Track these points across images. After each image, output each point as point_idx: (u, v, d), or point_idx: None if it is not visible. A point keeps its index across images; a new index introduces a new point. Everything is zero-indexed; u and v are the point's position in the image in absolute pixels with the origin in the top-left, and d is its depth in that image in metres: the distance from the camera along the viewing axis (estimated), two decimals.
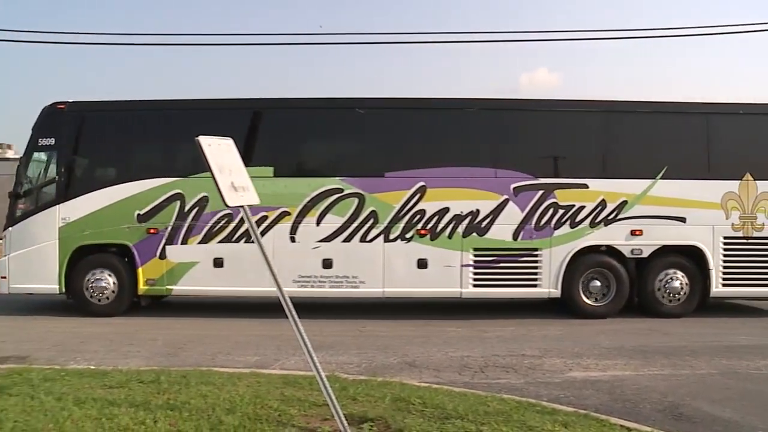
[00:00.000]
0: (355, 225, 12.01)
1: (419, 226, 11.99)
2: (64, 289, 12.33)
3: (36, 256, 12.26)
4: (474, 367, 8.41)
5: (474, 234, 11.98)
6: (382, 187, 12.08)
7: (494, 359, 8.85)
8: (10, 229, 12.53)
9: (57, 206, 12.32)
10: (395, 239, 12.00)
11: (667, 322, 11.66)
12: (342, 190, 12.03)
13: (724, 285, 12.05)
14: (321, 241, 11.99)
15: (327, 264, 11.98)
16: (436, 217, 11.99)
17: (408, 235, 12.01)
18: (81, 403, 6.14)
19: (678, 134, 12.38)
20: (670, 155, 12.20)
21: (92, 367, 8.12)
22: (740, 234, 12.05)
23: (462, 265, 11.98)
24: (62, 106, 12.60)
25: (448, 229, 11.98)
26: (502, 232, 11.97)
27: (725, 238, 12.04)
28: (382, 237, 12.00)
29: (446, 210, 11.99)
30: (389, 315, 12.38)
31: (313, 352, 5.16)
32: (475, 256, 12.01)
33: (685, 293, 12.15)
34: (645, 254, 12.09)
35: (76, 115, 12.63)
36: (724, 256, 12.04)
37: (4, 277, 12.32)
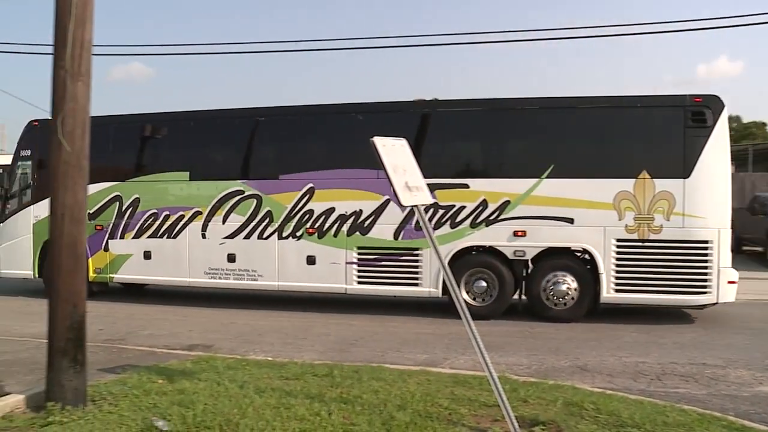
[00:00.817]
0: (254, 223, 12.90)
1: (308, 225, 12.62)
2: (37, 275, 14.43)
3: (17, 247, 14.63)
4: (650, 375, 7.99)
5: (357, 233, 12.32)
6: (276, 188, 12.86)
7: (672, 367, 8.35)
8: (0, 224, 14.99)
9: (31, 206, 14.52)
10: (287, 237, 12.72)
11: None
12: (243, 192, 12.97)
13: (616, 290, 11.32)
14: (226, 237, 13.04)
15: (231, 258, 13.02)
16: (323, 217, 12.53)
17: (298, 234, 12.67)
18: (261, 391, 6.46)
19: (566, 131, 11.84)
20: (558, 153, 11.74)
21: (270, 359, 8.55)
22: (635, 236, 11.18)
23: (347, 263, 12.39)
24: (36, 123, 14.64)
25: (334, 228, 12.46)
26: (383, 231, 12.18)
27: (618, 240, 11.26)
28: (276, 235, 12.78)
29: (332, 210, 12.47)
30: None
31: (485, 352, 5.12)
32: (359, 254, 12.37)
33: (572, 297, 11.55)
34: (528, 256, 11.67)
35: (46, 130, 13.48)
36: (617, 259, 11.29)
37: None
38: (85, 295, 6.25)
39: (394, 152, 5.21)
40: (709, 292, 10.90)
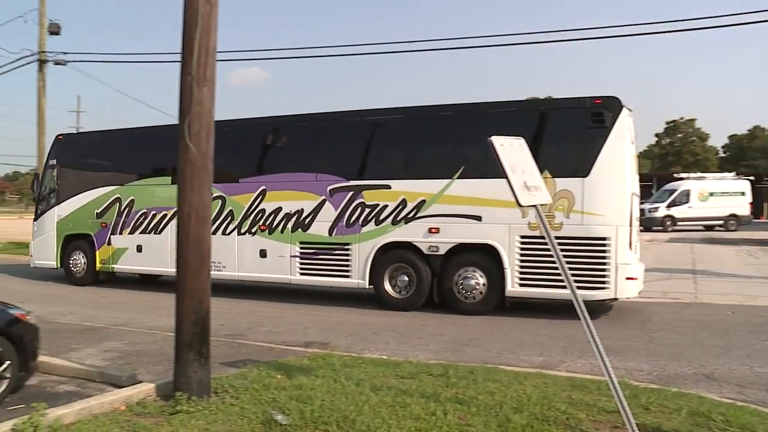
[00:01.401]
0: (219, 221, 14.40)
1: (261, 222, 14.07)
2: (59, 265, 16.98)
3: (46, 242, 17.21)
4: None
5: (299, 230, 13.64)
6: (236, 190, 14.40)
7: None
8: (35, 222, 17.83)
9: (55, 207, 17.16)
10: (245, 233, 14.26)
11: None
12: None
13: (520, 285, 11.86)
14: None
15: None
16: (272, 215, 13.94)
17: (253, 230, 14.18)
18: (377, 389, 6.53)
19: (475, 134, 11.80)
20: (467, 155, 12.47)
21: (385, 357, 8.62)
22: (537, 233, 11.45)
23: (291, 256, 13.71)
24: (61, 137, 17.73)
25: (281, 225, 13.83)
26: (320, 228, 13.40)
27: (522, 237, 11.75)
28: (236, 231, 14.35)
29: (279, 209, 13.85)
30: (679, 322, 11.57)
31: (605, 356, 4.98)
32: (301, 248, 13.66)
33: (481, 292, 12.16)
34: (441, 251, 12.41)
35: (67, 143, 17.63)
36: (521, 255, 11.79)
37: (32, 255, 17.79)
38: (209, 291, 6.51)
39: (512, 151, 5.14)
40: (607, 288, 11.20)
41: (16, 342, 6.83)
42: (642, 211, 35.76)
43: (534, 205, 5.17)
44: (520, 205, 5.03)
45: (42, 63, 26.46)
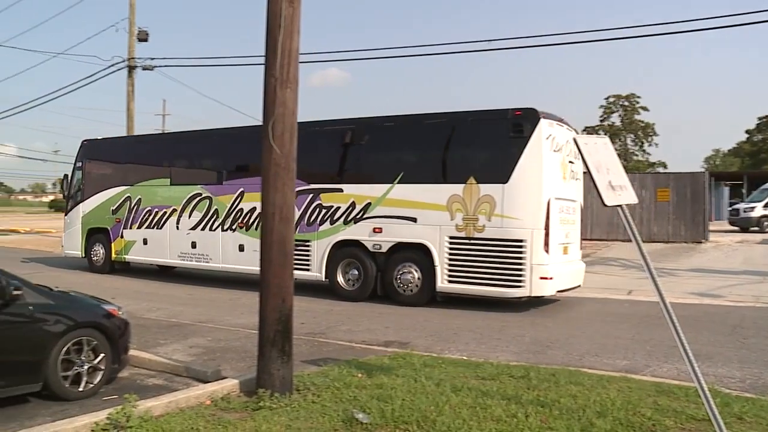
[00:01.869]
0: (207, 219, 16.31)
1: (240, 220, 15.67)
2: (83, 255, 19.25)
3: (73, 234, 19.57)
4: None
5: None
6: (221, 191, 16.13)
7: None
8: (65, 216, 20.31)
9: (81, 204, 19.43)
10: (227, 229, 15.93)
11: None
12: (201, 194, 16.52)
13: (449, 281, 12.87)
14: (191, 229, 16.62)
15: (194, 245, 16.58)
16: (249, 214, 15.46)
17: (233, 227, 15.81)
18: (457, 390, 6.50)
19: (412, 143, 13.89)
20: (406, 162, 13.80)
21: (465, 358, 8.58)
22: (463, 234, 12.66)
23: None
24: (86, 142, 19.81)
25: (255, 223, 15.01)
26: None
27: (450, 237, 12.80)
28: (220, 227, 16.06)
29: (255, 209, 15.00)
30: None
31: (694, 361, 4.82)
32: None
33: (417, 285, 13.24)
34: (384, 249, 13.62)
35: (91, 147, 19.69)
36: (449, 254, 12.81)
37: (63, 246, 20.29)
38: (292, 289, 6.62)
39: (597, 150, 5.02)
40: (523, 286, 12.07)
41: (110, 336, 7.14)
42: (737, 210, 34.87)
43: (619, 206, 5.02)
44: (605, 205, 4.90)
45: (131, 69, 27.50)
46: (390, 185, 13.51)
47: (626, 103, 73.39)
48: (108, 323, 7.19)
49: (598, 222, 27.31)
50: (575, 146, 4.88)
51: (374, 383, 6.80)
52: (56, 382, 6.61)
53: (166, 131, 58.44)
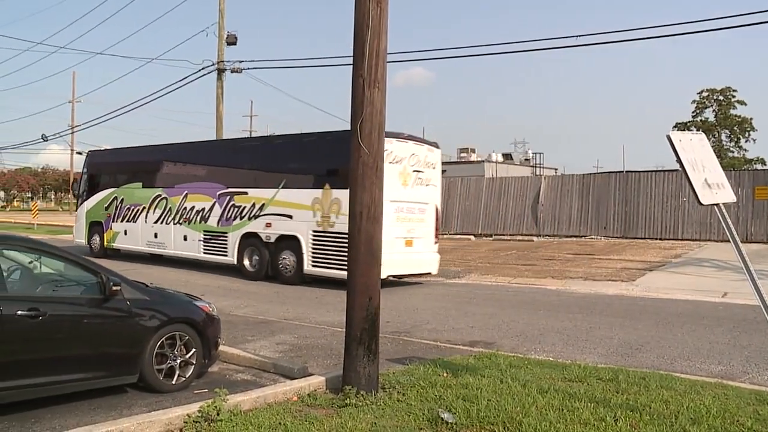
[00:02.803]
0: (164, 215, 20.50)
1: (185, 216, 19.77)
2: (86, 242, 23.59)
3: (80, 227, 24.29)
4: None
5: (203, 222, 19.17)
6: (173, 193, 20.26)
7: None
8: (76, 212, 25.76)
9: (85, 202, 24.06)
10: (177, 223, 20.04)
11: None
12: (161, 195, 20.71)
13: (312, 266, 16.30)
14: (154, 223, 20.85)
15: (156, 235, 20.86)
16: (190, 211, 19.62)
17: (180, 221, 19.91)
18: (544, 392, 6.41)
19: (290, 156, 17.73)
20: (286, 171, 17.32)
21: (551, 359, 8.45)
22: (321, 229, 16.05)
23: (199, 240, 19.31)
24: (90, 152, 25.96)
25: (194, 218, 19.45)
26: (214, 221, 18.87)
27: (313, 231, 16.24)
28: (173, 221, 20.17)
29: (194, 207, 19.53)
30: None
31: None
32: (204, 235, 19.19)
33: (293, 267, 16.77)
34: (272, 240, 17.27)
35: (93, 157, 25.05)
36: (312, 244, 16.26)
37: (74, 236, 25.02)
38: (379, 288, 6.65)
39: (692, 147, 4.84)
40: None
41: (201, 332, 7.35)
42: None
43: (716, 204, 4.83)
44: (700, 204, 4.73)
45: (220, 72, 28.20)
46: (276, 189, 17.21)
47: (721, 98, 70.64)
48: (199, 319, 7.42)
49: (690, 221, 26.49)
50: (669, 143, 4.72)
51: (460, 383, 6.77)
52: (151, 375, 6.87)
53: (253, 133, 59.71)
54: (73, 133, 54.53)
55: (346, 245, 13.27)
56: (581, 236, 29.26)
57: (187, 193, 19.68)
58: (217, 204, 18.67)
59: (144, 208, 21.15)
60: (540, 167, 55.25)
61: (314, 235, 16.07)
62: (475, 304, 13.46)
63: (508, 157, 57.13)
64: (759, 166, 64.14)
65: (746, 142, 71.33)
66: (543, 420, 5.54)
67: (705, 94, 71.08)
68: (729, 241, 4.93)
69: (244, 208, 17.89)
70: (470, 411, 5.76)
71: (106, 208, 22.72)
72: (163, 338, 6.99)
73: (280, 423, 5.64)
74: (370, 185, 6.47)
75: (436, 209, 16.76)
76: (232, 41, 28.62)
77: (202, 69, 28.32)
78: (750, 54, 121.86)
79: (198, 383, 7.35)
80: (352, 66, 6.45)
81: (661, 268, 18.77)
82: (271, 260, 17.20)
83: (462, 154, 56.97)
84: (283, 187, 16.97)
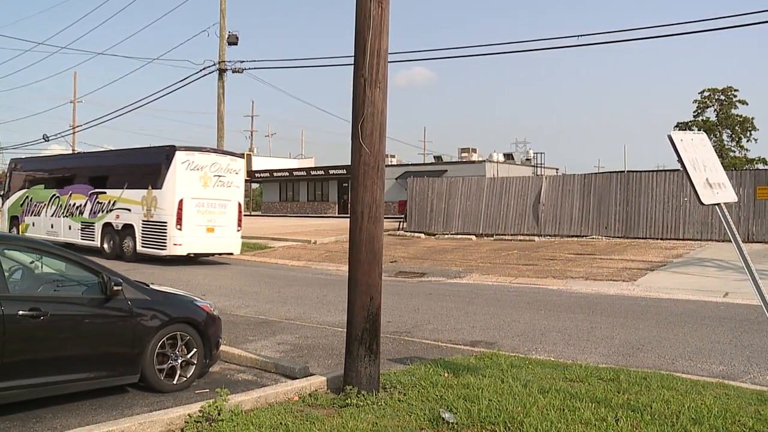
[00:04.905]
0: (57, 209, 25.39)
1: (69, 210, 24.65)
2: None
3: (4, 220, 28.90)
4: None
5: (81, 215, 24.07)
6: (63, 193, 25.16)
7: None
8: (1, 208, 30.25)
9: (7, 200, 28.69)
10: (65, 216, 24.87)
11: None
12: (55, 195, 25.55)
13: (142, 246, 21.32)
14: (50, 216, 25.65)
15: (52, 226, 25.48)
16: (73, 207, 24.47)
17: (67, 215, 24.79)
18: (545, 392, 6.41)
19: (129, 165, 23.01)
20: (128, 176, 22.32)
21: (552, 359, 8.45)
22: (146, 219, 21.16)
23: (78, 229, 24.17)
24: (12, 159, 31.00)
25: (76, 212, 24.29)
26: (87, 214, 23.76)
27: (142, 221, 21.34)
28: (62, 215, 25.03)
29: (75, 203, 24.35)
30: None
31: None
32: (81, 225, 24.07)
33: (131, 248, 21.68)
34: (120, 228, 22.26)
35: (16, 162, 29.94)
36: (142, 231, 21.36)
37: None
38: (380, 288, 6.65)
39: (693, 147, 4.83)
40: (165, 249, 20.45)
41: (202, 332, 7.36)
42: None
43: (717, 204, 4.82)
44: (701, 204, 4.72)
45: (222, 72, 28.24)
46: (122, 190, 22.29)
47: (722, 97, 70.56)
48: (200, 319, 7.42)
49: (691, 221, 26.45)
50: (670, 143, 4.71)
51: (461, 383, 6.77)
52: (152, 375, 6.88)
53: (254, 132, 59.52)
54: (74, 133, 54.48)
55: (162, 232, 21.05)
56: (582, 236, 29.20)
57: (71, 193, 24.83)
58: (89, 201, 23.73)
59: (45, 204, 26.21)
60: (541, 167, 55.31)
61: (143, 224, 21.29)
62: (477, 304, 13.46)
63: (509, 157, 57.06)
64: (760, 166, 64.08)
65: (747, 141, 71.27)
66: (544, 420, 5.54)
67: (706, 93, 71.03)
68: (730, 240, 4.93)
69: (104, 204, 22.99)
70: (471, 411, 5.76)
71: (21, 205, 27.91)
72: (165, 338, 7.01)
73: (281, 423, 5.64)
74: (371, 185, 6.47)
75: (239, 204, 22.11)
76: (233, 41, 28.69)
77: (204, 69, 28.47)
78: (751, 53, 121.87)
79: (199, 383, 7.36)
80: (353, 66, 6.45)
81: (662, 268, 18.74)
82: (120, 243, 22.32)
83: (463, 154, 56.91)
84: (126, 188, 22.19)
